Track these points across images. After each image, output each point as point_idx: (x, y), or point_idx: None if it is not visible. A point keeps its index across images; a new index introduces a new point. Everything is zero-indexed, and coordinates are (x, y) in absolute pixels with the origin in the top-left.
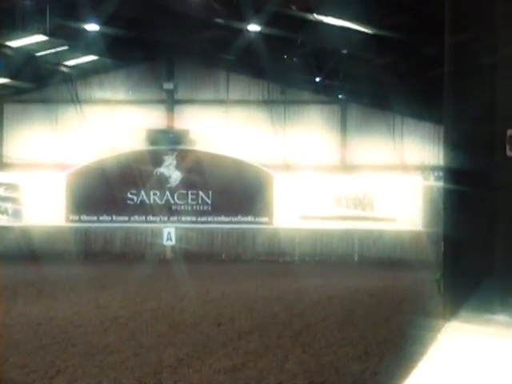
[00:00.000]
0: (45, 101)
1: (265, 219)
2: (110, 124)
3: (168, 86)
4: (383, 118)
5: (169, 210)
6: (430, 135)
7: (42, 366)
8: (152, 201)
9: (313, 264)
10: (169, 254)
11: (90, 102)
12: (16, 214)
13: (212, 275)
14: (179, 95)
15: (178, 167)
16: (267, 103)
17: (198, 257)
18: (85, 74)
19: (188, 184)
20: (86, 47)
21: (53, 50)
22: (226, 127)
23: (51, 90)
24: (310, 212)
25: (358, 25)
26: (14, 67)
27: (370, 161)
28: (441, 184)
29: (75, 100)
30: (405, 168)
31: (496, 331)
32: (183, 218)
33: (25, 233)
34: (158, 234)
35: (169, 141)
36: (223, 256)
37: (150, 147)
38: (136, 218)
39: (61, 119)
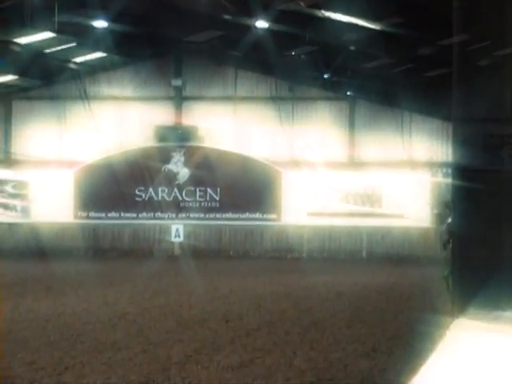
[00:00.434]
0: (53, 98)
1: (273, 216)
2: (118, 121)
3: (176, 82)
4: (391, 114)
5: (177, 207)
6: (439, 132)
7: (50, 363)
8: (160, 197)
9: (321, 260)
10: (177, 251)
11: (98, 98)
12: (24, 211)
13: (220, 272)
14: (187, 92)
15: (186, 164)
16: (275, 100)
17: (206, 253)
18: (93, 70)
19: (196, 181)
20: (94, 44)
21: (61, 47)
22: (234, 124)
23: (59, 87)
24: (318, 209)
25: (366, 21)
26: (22, 64)
27: (379, 157)
28: (449, 181)
29: (83, 97)
30: (413, 165)
31: (505, 328)
32: (191, 215)
33: (33, 229)
34: (166, 230)
35: (177, 137)
36: (231, 252)
37: (158, 144)
38: (144, 214)
39: (69, 116)
